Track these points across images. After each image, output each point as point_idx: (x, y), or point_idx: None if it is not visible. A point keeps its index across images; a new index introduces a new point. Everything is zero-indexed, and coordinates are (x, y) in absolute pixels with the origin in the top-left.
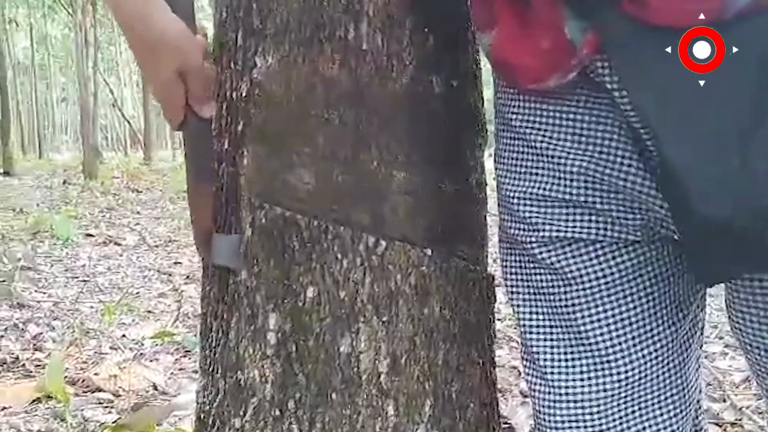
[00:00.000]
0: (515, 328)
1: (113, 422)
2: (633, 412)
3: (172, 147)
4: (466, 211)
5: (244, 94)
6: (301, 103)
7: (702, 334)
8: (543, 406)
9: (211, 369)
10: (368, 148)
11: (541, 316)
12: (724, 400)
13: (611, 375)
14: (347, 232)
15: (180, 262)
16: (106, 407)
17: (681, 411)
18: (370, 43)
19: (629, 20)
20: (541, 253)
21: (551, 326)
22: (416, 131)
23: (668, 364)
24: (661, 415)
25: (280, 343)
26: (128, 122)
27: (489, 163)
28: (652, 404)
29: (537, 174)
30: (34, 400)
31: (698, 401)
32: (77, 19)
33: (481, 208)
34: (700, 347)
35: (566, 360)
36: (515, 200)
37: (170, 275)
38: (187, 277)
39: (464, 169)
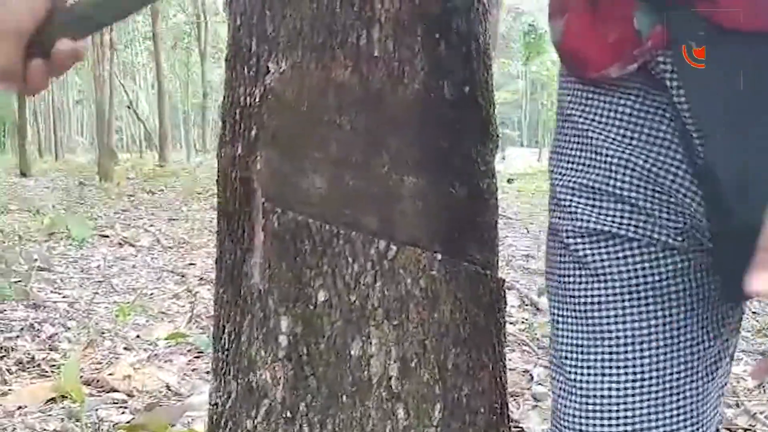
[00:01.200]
0: (527, 332)
1: (127, 422)
2: (649, 415)
3: (186, 149)
4: (476, 215)
5: (257, 100)
6: (314, 109)
7: (731, 363)
8: (559, 400)
9: (223, 371)
10: (379, 153)
11: (565, 312)
12: (738, 406)
13: (627, 375)
14: (358, 236)
15: (194, 264)
16: (120, 407)
17: None
18: (382, 49)
19: (700, 20)
20: (575, 243)
21: (574, 321)
22: (427, 136)
23: (685, 386)
24: None
25: (291, 345)
26: (143, 124)
27: (500, 167)
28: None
29: (586, 164)
30: (49, 400)
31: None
32: None
33: (491, 213)
34: (727, 377)
35: (584, 356)
36: (560, 189)
37: (184, 276)
38: (201, 278)
39: (475, 173)
